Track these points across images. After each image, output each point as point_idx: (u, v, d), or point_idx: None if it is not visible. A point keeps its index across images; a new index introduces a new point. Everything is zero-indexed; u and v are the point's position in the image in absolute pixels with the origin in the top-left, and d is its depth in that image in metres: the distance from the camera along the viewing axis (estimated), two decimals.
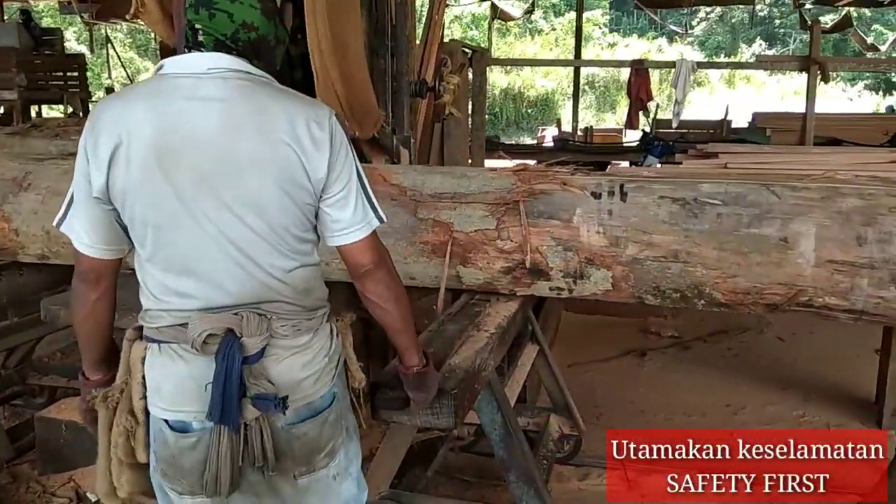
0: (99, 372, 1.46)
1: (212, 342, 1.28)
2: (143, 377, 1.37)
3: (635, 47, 21.23)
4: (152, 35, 16.38)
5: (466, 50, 5.28)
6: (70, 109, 8.67)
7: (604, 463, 2.69)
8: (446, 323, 2.16)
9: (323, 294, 1.44)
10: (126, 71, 13.16)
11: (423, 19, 4.65)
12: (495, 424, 2.02)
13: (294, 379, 1.34)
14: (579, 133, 10.21)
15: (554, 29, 22.30)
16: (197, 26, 1.30)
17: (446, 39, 5.66)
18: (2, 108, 8.34)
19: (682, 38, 20.87)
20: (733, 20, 24.46)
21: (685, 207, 2.30)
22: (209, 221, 1.28)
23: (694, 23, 23.83)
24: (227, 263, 1.30)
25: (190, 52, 1.31)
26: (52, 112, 10.04)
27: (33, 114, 8.50)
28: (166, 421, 1.34)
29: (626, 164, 7.38)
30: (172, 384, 1.33)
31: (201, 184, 1.27)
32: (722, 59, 21.09)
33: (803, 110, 8.24)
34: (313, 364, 1.37)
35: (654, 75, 8.88)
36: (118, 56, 13.57)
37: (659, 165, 5.25)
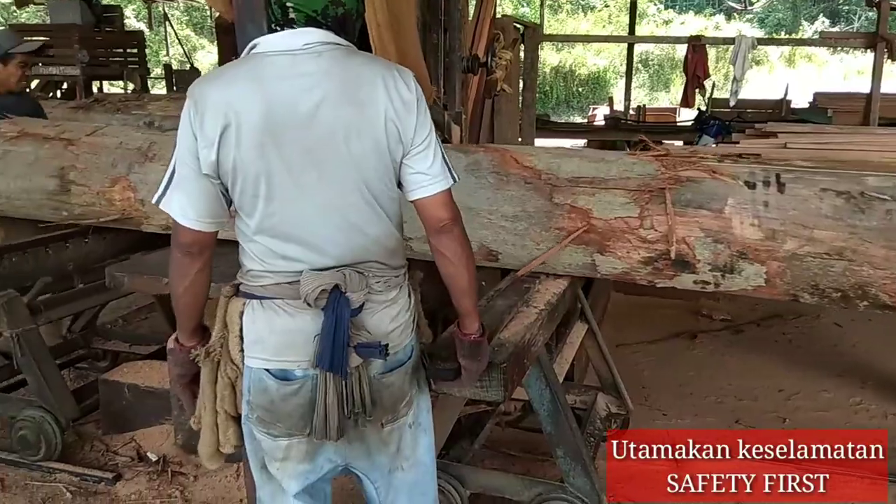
0: (193, 339, 1.54)
1: (321, 297, 1.37)
2: (241, 330, 1.46)
3: (691, 24, 20.61)
4: (208, 13, 16.65)
5: (518, 26, 5.22)
6: (131, 86, 8.90)
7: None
8: (495, 298, 2.14)
9: (403, 254, 1.53)
10: (183, 48, 13.40)
11: None
12: (543, 400, 2.01)
13: (385, 331, 1.45)
14: (631, 112, 10.03)
15: (607, 5, 21.79)
16: (288, 4, 1.36)
17: (498, 15, 5.61)
18: (65, 83, 8.60)
19: (740, 15, 20.21)
20: None
21: (850, 202, 2.15)
22: (315, 192, 1.37)
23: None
24: (330, 230, 1.39)
25: (282, 29, 1.37)
26: (112, 88, 10.32)
27: (94, 89, 8.75)
28: (268, 370, 1.43)
29: (679, 143, 7.23)
30: (277, 336, 1.42)
31: (307, 156, 1.35)
32: (782, 36, 20.32)
33: (868, 90, 7.93)
34: (399, 317, 1.47)
35: (711, 53, 8.61)
36: (175, 33, 13.84)
37: (714, 145, 5.11)
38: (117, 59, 8.94)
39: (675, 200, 2.18)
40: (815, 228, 2.12)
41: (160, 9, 13.14)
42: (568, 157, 2.40)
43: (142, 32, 10.76)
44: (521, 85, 5.44)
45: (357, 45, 1.48)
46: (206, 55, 17.88)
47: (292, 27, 1.36)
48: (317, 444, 1.46)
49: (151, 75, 9.84)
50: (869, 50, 6.10)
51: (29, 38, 4.99)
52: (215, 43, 11.23)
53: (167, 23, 13.07)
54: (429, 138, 1.43)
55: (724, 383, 3.41)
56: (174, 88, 9.61)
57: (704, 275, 2.20)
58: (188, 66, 11.69)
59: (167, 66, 9.92)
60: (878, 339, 3.82)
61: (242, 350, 1.47)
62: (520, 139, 5.46)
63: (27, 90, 3.47)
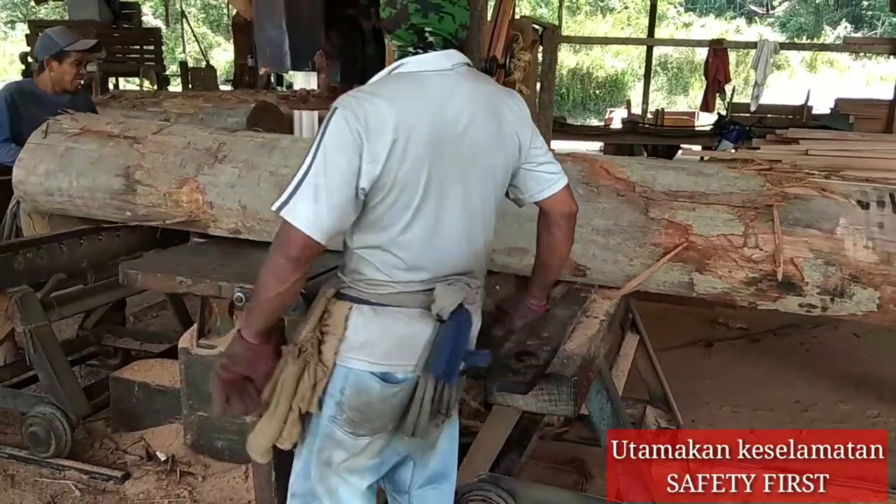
0: (260, 339, 1.53)
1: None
2: (342, 333, 1.52)
3: (712, 27, 20.45)
4: (225, 10, 16.73)
5: (537, 27, 5.18)
6: (147, 83, 8.94)
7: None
8: (554, 307, 2.06)
9: None
10: (199, 45, 13.47)
11: None
12: (604, 415, 1.93)
13: (475, 337, 1.58)
14: (649, 116, 9.96)
15: (626, 7, 21.69)
16: (426, 29, 1.46)
17: (517, 17, 5.57)
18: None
19: (761, 19, 20.05)
20: (817, 1, 23.27)
21: None
22: (456, 204, 1.49)
23: (775, 3, 22.82)
24: (458, 239, 1.51)
25: (425, 52, 1.47)
26: (129, 85, 10.38)
27: (111, 86, 8.80)
28: (373, 373, 1.50)
29: (698, 148, 7.16)
30: (390, 341, 1.50)
31: (456, 170, 1.47)
32: (804, 41, 20.12)
33: (890, 97, 7.82)
34: (476, 325, 1.59)
35: (732, 57, 8.53)
36: (192, 31, 13.92)
37: (734, 151, 5.05)
38: (134, 55, 8.99)
39: (782, 218, 2.08)
40: None
41: (177, 6, 13.22)
42: (664, 169, 2.32)
43: (159, 29, 10.82)
44: (538, 87, 5.39)
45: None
46: (223, 53, 17.99)
47: (433, 49, 1.47)
48: (391, 440, 1.56)
49: (167, 72, 9.87)
50: (892, 56, 5.99)
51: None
52: (231, 41, 11.29)
53: (184, 20, 13.13)
54: (544, 144, 1.60)
55: (740, 393, 3.36)
56: (189, 86, 9.66)
57: (812, 298, 2.09)
58: (204, 63, 11.74)
59: (183, 64, 9.94)
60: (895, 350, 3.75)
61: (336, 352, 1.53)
62: None
63: (81, 88, 3.43)
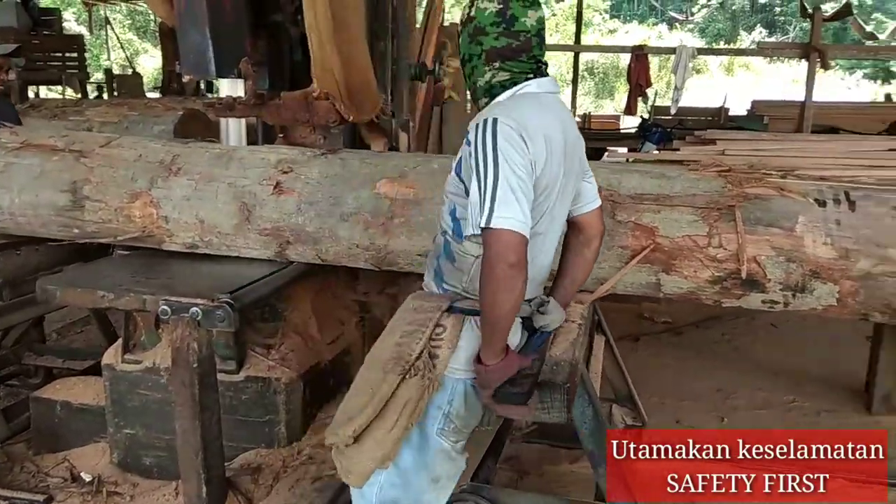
0: (504, 351, 1.56)
1: None
2: (456, 345, 1.60)
3: (636, 33, 21.11)
4: (151, 17, 16.26)
5: None
6: (70, 91, 8.62)
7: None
8: None
9: None
10: (125, 52, 13.06)
11: (424, 2, 4.64)
12: (586, 418, 1.93)
13: None
14: (577, 119, 10.21)
15: (554, 14, 22.14)
16: (542, 61, 1.66)
17: (446, 23, 5.65)
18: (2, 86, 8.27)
19: (682, 25, 20.81)
20: (734, 7, 24.33)
21: None
22: (563, 215, 1.69)
23: (694, 9, 23.72)
24: (552, 250, 1.71)
25: (545, 76, 1.66)
26: (51, 93, 9.98)
27: (31, 94, 8.45)
28: (472, 381, 1.60)
29: (623, 150, 7.39)
30: None
31: (570, 182, 1.65)
32: (722, 45, 20.99)
33: (802, 98, 8.26)
34: None
35: (654, 62, 8.86)
36: (117, 37, 13.48)
37: (656, 152, 5.26)
38: (55, 63, 8.66)
39: (744, 218, 2.15)
40: (889, 247, 2.11)
41: (101, 12, 12.78)
42: (628, 172, 2.37)
43: (82, 36, 10.45)
44: (468, 93, 5.48)
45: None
46: (150, 59, 17.47)
47: (542, 76, 1.65)
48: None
49: (91, 80, 9.54)
50: (803, 59, 6.35)
51: None
52: (159, 47, 10.99)
53: (108, 26, 12.71)
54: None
55: (667, 384, 3.49)
56: (115, 94, 9.36)
57: (774, 294, 2.16)
58: (130, 70, 11.39)
59: (108, 71, 9.64)
60: (812, 338, 3.98)
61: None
62: None
63: (5, 94, 3.26)
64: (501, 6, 1.61)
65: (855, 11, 14.21)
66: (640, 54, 7.92)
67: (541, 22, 1.64)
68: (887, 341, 3.13)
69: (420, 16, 4.50)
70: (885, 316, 2.16)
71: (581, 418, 1.93)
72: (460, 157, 1.61)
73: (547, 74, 1.68)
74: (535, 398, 1.66)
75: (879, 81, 21.40)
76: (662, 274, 2.20)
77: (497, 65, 1.62)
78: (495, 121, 1.49)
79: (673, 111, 7.53)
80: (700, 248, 2.16)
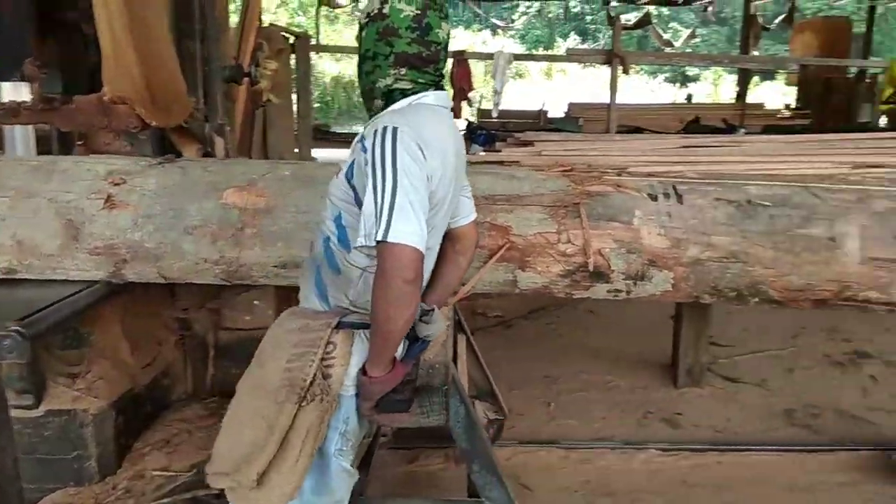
0: (392, 363, 1.52)
1: None
2: (349, 362, 1.55)
3: (461, 39, 21.81)
4: None
5: (287, 35, 5.14)
6: None
7: (431, 444, 2.79)
8: None
9: None
10: None
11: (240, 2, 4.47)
12: (459, 416, 1.92)
13: None
14: None
15: None
16: (442, 73, 1.65)
17: (270, 25, 5.48)
18: None
19: (504, 31, 21.76)
20: (550, 15, 25.89)
21: (740, 209, 2.34)
22: (446, 221, 1.67)
23: (515, 16, 24.95)
24: (432, 261, 1.69)
25: (442, 90, 1.65)
26: None
27: None
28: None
29: None
30: None
31: (455, 192, 1.64)
32: (540, 51, 22.27)
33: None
34: None
35: (480, 67, 9.19)
36: None
37: (483, 153, 5.44)
38: None
39: (588, 214, 2.25)
40: (713, 235, 2.29)
41: None
42: (480, 174, 2.39)
43: None
44: (294, 96, 5.35)
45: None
46: None
47: (441, 89, 1.64)
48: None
49: None
50: (607, 64, 6.87)
51: None
52: None
53: None
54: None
55: (499, 375, 3.61)
56: None
57: (618, 284, 2.29)
58: None
59: None
60: (625, 320, 4.32)
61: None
62: (297, 150, 5.37)
63: None
64: (419, 12, 1.56)
65: (654, 21, 15.67)
66: (461, 59, 8.17)
67: (449, 36, 1.62)
68: (687, 320, 3.46)
69: (237, 17, 4.33)
70: (713, 297, 2.35)
71: (455, 417, 1.96)
72: (352, 162, 1.54)
73: (444, 88, 1.66)
74: (416, 403, 1.65)
75: (678, 84, 23.77)
76: (518, 271, 2.28)
77: (403, 71, 1.57)
78: (395, 129, 1.44)
79: (495, 114, 7.85)
80: (551, 245, 2.26)
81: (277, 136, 4.58)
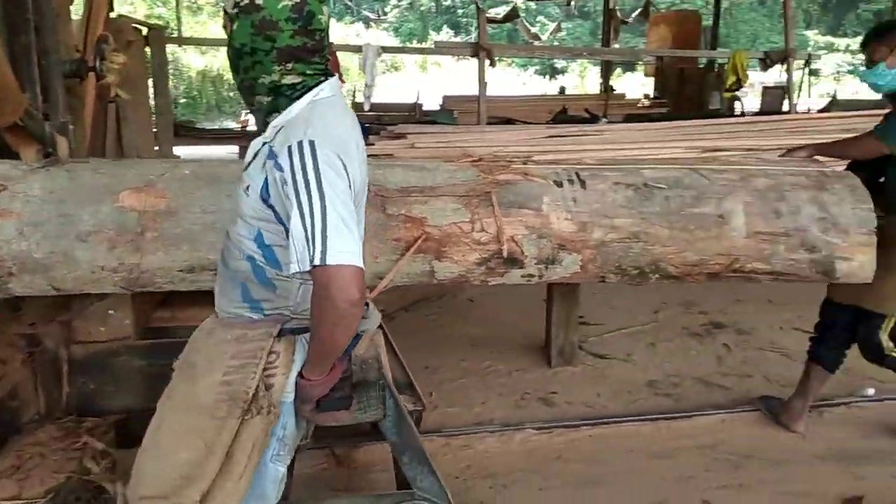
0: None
1: None
2: (290, 369, 1.50)
3: (334, 31, 21.49)
4: None
5: (139, 27, 4.85)
6: None
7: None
8: None
9: None
10: None
11: None
12: (389, 409, 1.89)
13: None
14: None
15: None
16: (328, 58, 1.53)
17: (120, 16, 5.14)
18: None
19: (377, 24, 21.67)
20: (422, 8, 26.07)
21: (637, 192, 2.45)
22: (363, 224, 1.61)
23: (387, 9, 24.91)
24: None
25: (328, 77, 1.52)
26: None
27: None
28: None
29: None
30: None
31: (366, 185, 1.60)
32: (414, 44, 22.35)
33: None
34: None
35: (355, 60, 9.07)
36: None
37: None
38: None
39: (499, 202, 2.29)
40: (615, 217, 2.40)
41: None
42: (392, 167, 2.38)
43: None
44: (151, 91, 5.07)
45: None
46: None
47: (330, 76, 1.53)
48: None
49: None
50: (475, 57, 6.99)
51: None
52: None
53: None
54: None
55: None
56: None
57: (531, 268, 2.35)
58: None
59: None
60: (502, 307, 4.43)
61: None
62: (157, 148, 5.09)
63: None
64: (298, 1, 1.43)
65: (522, 15, 16.14)
66: (330, 52, 8.04)
67: (329, 18, 1.52)
68: (557, 303, 3.59)
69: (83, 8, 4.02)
70: (618, 276, 2.47)
71: (385, 410, 1.95)
72: (265, 180, 1.43)
73: (333, 74, 1.55)
74: (354, 400, 1.63)
75: (548, 77, 24.64)
76: (435, 261, 2.30)
77: (290, 65, 1.46)
78: (312, 144, 1.35)
79: (367, 107, 7.79)
80: (466, 234, 2.30)
81: (133, 133, 4.32)
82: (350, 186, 1.40)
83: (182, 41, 10.09)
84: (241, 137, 9.14)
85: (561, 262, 2.41)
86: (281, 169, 1.37)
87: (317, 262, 1.31)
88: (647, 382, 3.47)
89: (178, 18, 11.71)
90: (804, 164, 2.81)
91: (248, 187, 1.48)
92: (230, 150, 8.84)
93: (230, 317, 1.58)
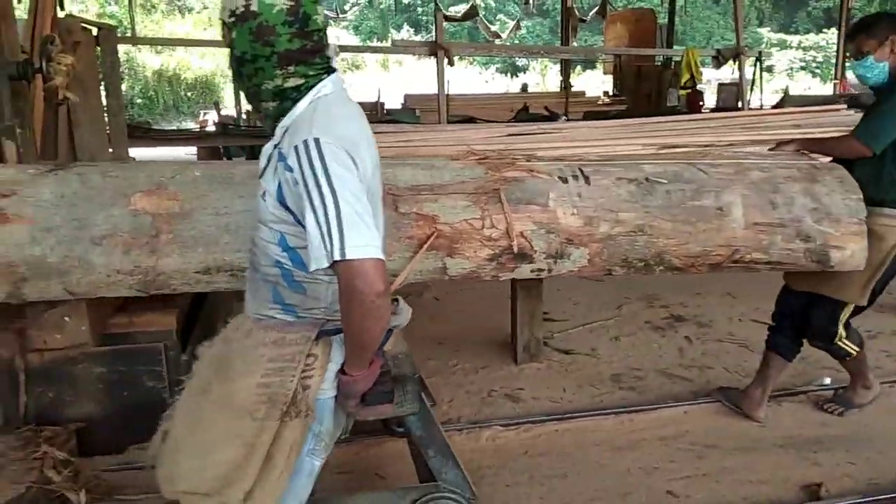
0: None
1: None
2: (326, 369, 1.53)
3: None
4: None
5: (89, 27, 4.73)
6: None
7: None
8: None
9: None
10: None
11: None
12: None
13: None
14: (244, 116, 9.94)
15: (206, 7, 21.24)
16: (328, 55, 1.52)
17: (68, 15, 5.00)
18: None
19: (336, 22, 21.49)
20: (382, 6, 25.96)
21: (640, 187, 2.50)
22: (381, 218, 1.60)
23: (346, 7, 24.73)
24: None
25: (330, 73, 1.53)
26: None
27: None
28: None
29: None
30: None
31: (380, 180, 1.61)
32: (374, 43, 22.25)
33: (449, 92, 9.10)
34: None
35: None
36: None
37: None
38: None
39: (508, 199, 2.32)
40: (620, 211, 2.44)
41: None
42: (401, 166, 2.39)
43: None
44: (103, 92, 4.94)
45: None
46: None
47: (333, 72, 1.53)
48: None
49: None
50: (434, 55, 6.98)
51: None
52: None
53: None
54: None
55: None
56: None
57: (541, 263, 2.38)
58: None
59: None
60: (468, 305, 4.43)
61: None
62: (111, 150, 4.97)
63: None
64: (293, 3, 1.44)
65: (481, 13, 16.19)
66: None
67: (325, 15, 1.53)
68: (521, 299, 3.61)
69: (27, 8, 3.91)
70: (624, 269, 2.51)
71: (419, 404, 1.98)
72: (279, 183, 1.44)
73: (335, 70, 1.55)
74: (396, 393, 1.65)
75: (509, 75, 24.76)
76: (448, 258, 2.33)
77: (292, 69, 1.47)
78: (317, 141, 1.36)
79: None
80: (477, 230, 2.34)
81: (85, 135, 4.20)
82: (361, 179, 1.41)
83: (136, 41, 9.87)
84: (199, 138, 9.00)
85: (569, 257, 2.45)
86: (291, 170, 1.39)
87: (336, 257, 1.33)
88: (611, 376, 3.51)
89: (132, 17, 11.44)
90: (794, 157, 2.91)
91: (264, 193, 1.50)
92: (188, 151, 8.68)
93: (264, 319, 1.60)
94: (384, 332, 1.45)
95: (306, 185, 1.36)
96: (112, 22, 8.78)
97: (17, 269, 2.10)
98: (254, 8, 1.44)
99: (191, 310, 3.05)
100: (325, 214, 1.34)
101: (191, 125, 14.30)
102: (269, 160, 1.51)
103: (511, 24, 20.46)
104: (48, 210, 2.12)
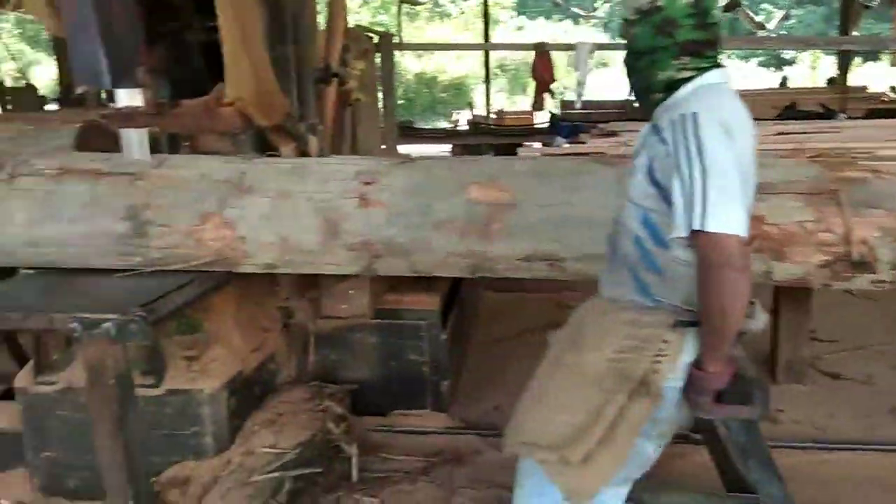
0: (728, 357, 1.51)
1: None
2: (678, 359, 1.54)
3: (542, 30, 21.60)
4: (43, 26, 15.40)
5: (371, 35, 5.27)
6: None
7: None
8: None
9: None
10: (16, 63, 12.34)
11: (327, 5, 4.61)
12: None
13: None
14: (492, 116, 10.36)
15: (463, 12, 22.39)
16: (721, 52, 1.60)
17: (356, 25, 5.63)
18: None
19: (586, 20, 21.37)
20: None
21: None
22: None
23: (597, 4, 24.46)
24: None
25: (718, 67, 1.59)
26: None
27: None
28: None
29: (537, 145, 7.58)
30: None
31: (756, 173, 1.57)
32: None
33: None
34: None
35: (562, 58, 9.08)
36: (6, 47, 12.73)
37: (567, 145, 5.41)
38: None
39: (850, 201, 2.15)
40: None
41: None
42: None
43: None
44: (380, 94, 5.49)
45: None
46: (44, 70, 16.60)
47: (721, 66, 1.59)
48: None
49: None
50: None
51: None
52: (55, 57, 10.46)
53: None
54: None
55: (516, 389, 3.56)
56: (7, 107, 8.86)
57: (884, 274, 2.16)
58: (24, 83, 10.78)
59: None
60: None
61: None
62: (384, 146, 5.51)
63: None
64: None
65: (744, 3, 15.01)
66: (541, 51, 8.09)
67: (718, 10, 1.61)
68: (785, 313, 3.32)
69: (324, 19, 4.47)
70: None
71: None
72: (650, 160, 1.53)
73: (723, 65, 1.61)
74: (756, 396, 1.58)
75: (772, 69, 22.66)
76: (774, 262, 2.20)
77: (686, 60, 1.55)
78: (695, 115, 1.42)
79: (578, 105, 7.73)
80: (809, 234, 2.18)
81: (366, 133, 4.71)
82: (736, 159, 1.41)
83: (403, 46, 10.76)
84: (453, 136, 9.58)
85: None
86: (665, 142, 1.46)
87: (696, 226, 1.36)
88: (891, 409, 3.10)
89: (399, 24, 12.45)
90: None
91: (635, 170, 1.58)
92: (444, 148, 9.29)
93: (620, 301, 1.65)
94: (742, 317, 1.42)
95: (678, 156, 1.40)
96: (382, 29, 9.73)
97: (374, 247, 2.38)
98: (659, 4, 1.56)
99: (450, 294, 3.30)
100: (692, 184, 1.37)
101: (443, 125, 15.25)
102: (643, 139, 1.57)
103: (777, 14, 18.72)
104: (400, 196, 2.39)
